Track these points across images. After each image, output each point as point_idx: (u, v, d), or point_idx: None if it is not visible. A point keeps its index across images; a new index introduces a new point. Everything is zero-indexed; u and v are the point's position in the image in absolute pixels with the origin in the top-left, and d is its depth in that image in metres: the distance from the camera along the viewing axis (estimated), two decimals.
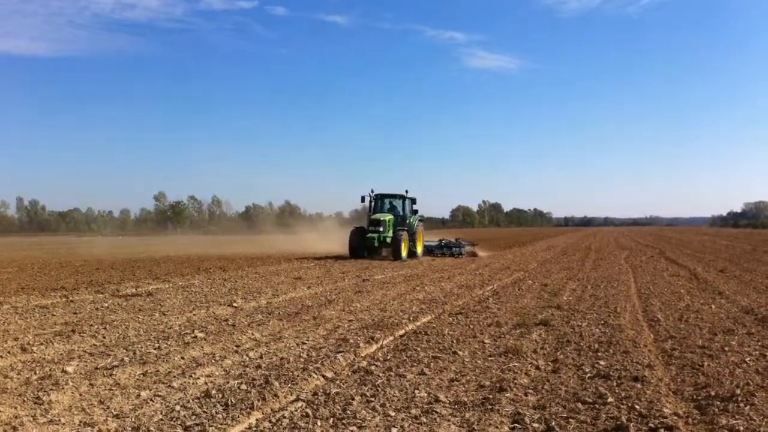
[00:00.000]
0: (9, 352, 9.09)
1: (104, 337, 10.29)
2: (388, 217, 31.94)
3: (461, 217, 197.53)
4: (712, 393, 7.16)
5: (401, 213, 33.07)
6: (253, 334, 10.74)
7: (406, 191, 33.33)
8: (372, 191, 33.22)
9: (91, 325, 11.35)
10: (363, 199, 33.31)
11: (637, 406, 6.62)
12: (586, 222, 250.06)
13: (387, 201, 33.89)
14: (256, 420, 6.29)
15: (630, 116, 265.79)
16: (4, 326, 11.36)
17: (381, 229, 31.14)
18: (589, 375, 8.01)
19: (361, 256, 31.41)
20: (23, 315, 12.65)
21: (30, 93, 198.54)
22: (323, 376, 7.94)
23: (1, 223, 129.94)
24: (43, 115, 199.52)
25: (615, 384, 7.54)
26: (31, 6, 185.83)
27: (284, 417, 6.37)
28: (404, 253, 30.31)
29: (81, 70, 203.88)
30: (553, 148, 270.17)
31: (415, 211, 33.54)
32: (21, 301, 14.78)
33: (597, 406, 6.71)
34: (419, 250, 32.83)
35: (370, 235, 31.31)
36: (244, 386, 7.36)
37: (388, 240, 31.19)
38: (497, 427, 6.12)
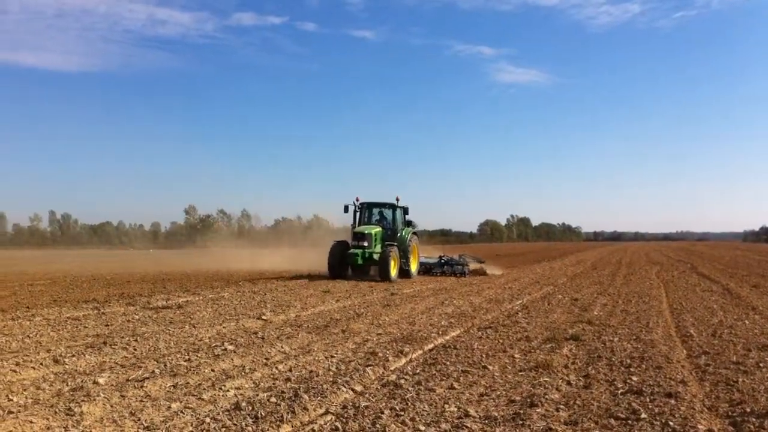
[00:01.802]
0: (41, 364, 9.16)
1: (135, 349, 10.36)
2: (375, 229, 27.50)
3: (489, 231, 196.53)
4: (748, 409, 7.05)
5: (391, 225, 28.83)
6: (282, 346, 10.76)
7: (397, 199, 28.96)
8: (357, 199, 28.66)
9: (123, 337, 11.43)
10: (346, 209, 28.36)
11: (671, 423, 6.52)
12: (615, 237, 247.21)
13: (375, 211, 29.62)
14: None
15: (660, 130, 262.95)
16: (37, 338, 11.48)
17: (366, 244, 26.62)
18: (621, 391, 7.90)
19: (343, 275, 26.94)
20: (55, 327, 12.77)
21: (62, 107, 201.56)
22: (352, 390, 7.93)
23: (34, 237, 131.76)
24: (75, 129, 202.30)
25: (648, 400, 7.43)
26: (65, 21, 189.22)
27: (314, 430, 6.37)
28: (393, 272, 26.14)
29: (112, 85, 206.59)
30: (583, 162, 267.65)
31: (409, 222, 29.34)
32: (53, 313, 14.93)
33: (630, 422, 6.62)
34: (413, 268, 28.34)
35: (352, 251, 26.64)
36: (273, 399, 7.37)
37: (375, 257, 26.69)
38: None
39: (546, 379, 8.52)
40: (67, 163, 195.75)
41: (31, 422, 6.44)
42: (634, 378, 8.53)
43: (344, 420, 6.67)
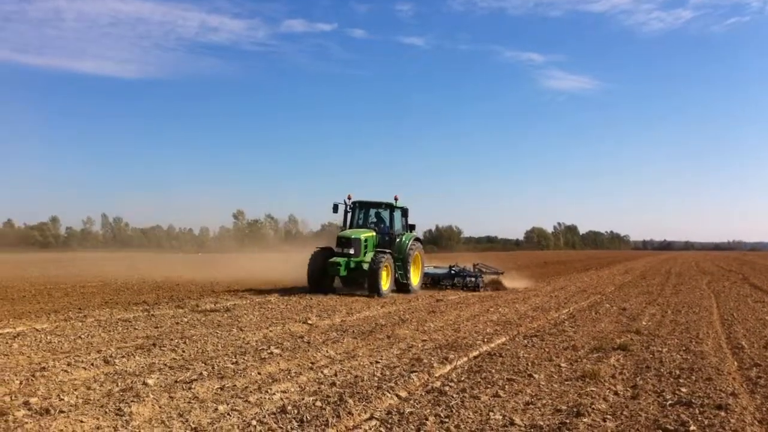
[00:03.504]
0: (92, 364, 9.34)
1: (183, 351, 10.52)
2: (365, 234, 23.23)
3: (536, 239, 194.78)
4: None
5: (388, 228, 24.51)
6: (327, 351, 10.82)
7: (396, 198, 24.49)
8: (348, 198, 24.45)
9: (171, 339, 11.61)
10: (335, 209, 24.18)
11: None
12: (665, 246, 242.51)
13: (372, 212, 25.42)
14: None
15: (712, 137, 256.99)
16: (88, 339, 11.72)
17: (352, 251, 22.35)
18: (670, 402, 7.78)
19: (326, 288, 22.55)
20: (106, 328, 13.02)
21: (116, 113, 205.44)
22: (397, 395, 7.94)
23: (87, 240, 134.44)
24: (128, 135, 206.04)
25: (697, 411, 7.31)
26: (120, 29, 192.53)
27: None
28: (385, 285, 22.11)
29: (166, 92, 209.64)
30: (632, 169, 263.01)
31: (411, 227, 25.31)
32: (104, 315, 15.23)
33: None
34: (414, 281, 24.20)
35: (334, 259, 22.23)
36: (318, 403, 7.41)
37: (365, 266, 22.28)
38: None
39: (593, 388, 8.42)
40: (119, 167, 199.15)
41: (82, 422, 6.57)
42: (684, 389, 8.39)
43: (389, 425, 6.69)
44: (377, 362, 9.96)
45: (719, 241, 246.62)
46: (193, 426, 6.53)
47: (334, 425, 6.63)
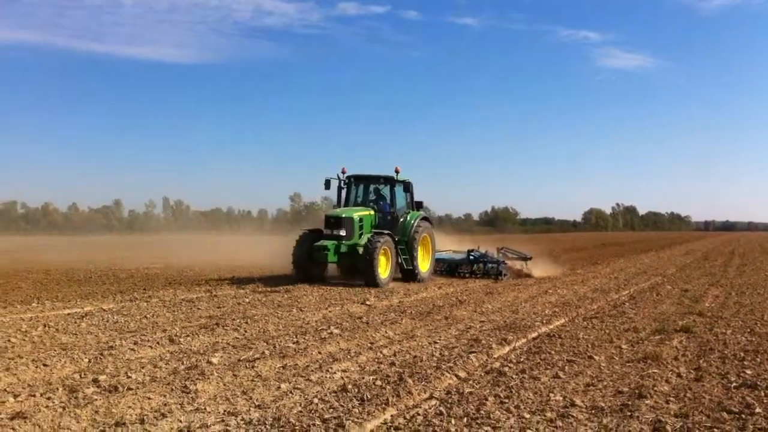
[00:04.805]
0: (158, 343, 9.60)
1: (246, 331, 10.73)
2: (360, 212, 19.99)
3: (594, 220, 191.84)
4: None
5: (388, 207, 21.12)
6: (386, 331, 10.91)
7: (397, 171, 20.73)
8: (343, 171, 21.24)
9: (234, 319, 11.84)
10: (327, 185, 20.84)
11: None
12: (728, 226, 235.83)
13: (372, 188, 21.85)
14: (391, 416, 6.38)
15: None
16: (154, 318, 12.02)
17: (343, 232, 19.08)
18: (734, 384, 7.65)
19: (313, 275, 19.45)
20: (171, 308, 13.34)
21: (174, 98, 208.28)
22: (456, 376, 7.97)
23: (149, 223, 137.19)
24: (187, 119, 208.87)
25: (763, 394, 7.17)
26: (177, 15, 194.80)
27: (418, 414, 6.43)
28: (384, 272, 18.94)
29: (223, 76, 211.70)
30: (693, 148, 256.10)
31: (418, 204, 21.64)
32: (168, 295, 15.60)
33: (743, 416, 6.40)
34: (423, 267, 20.87)
35: (321, 242, 18.99)
36: (378, 382, 7.49)
37: (360, 251, 18.95)
38: None
39: (655, 370, 8.32)
40: (180, 150, 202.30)
41: (149, 399, 6.75)
42: (749, 371, 8.24)
43: (448, 405, 6.72)
44: (436, 343, 10.01)
45: None
46: (257, 403, 6.66)
47: (395, 404, 6.69)
